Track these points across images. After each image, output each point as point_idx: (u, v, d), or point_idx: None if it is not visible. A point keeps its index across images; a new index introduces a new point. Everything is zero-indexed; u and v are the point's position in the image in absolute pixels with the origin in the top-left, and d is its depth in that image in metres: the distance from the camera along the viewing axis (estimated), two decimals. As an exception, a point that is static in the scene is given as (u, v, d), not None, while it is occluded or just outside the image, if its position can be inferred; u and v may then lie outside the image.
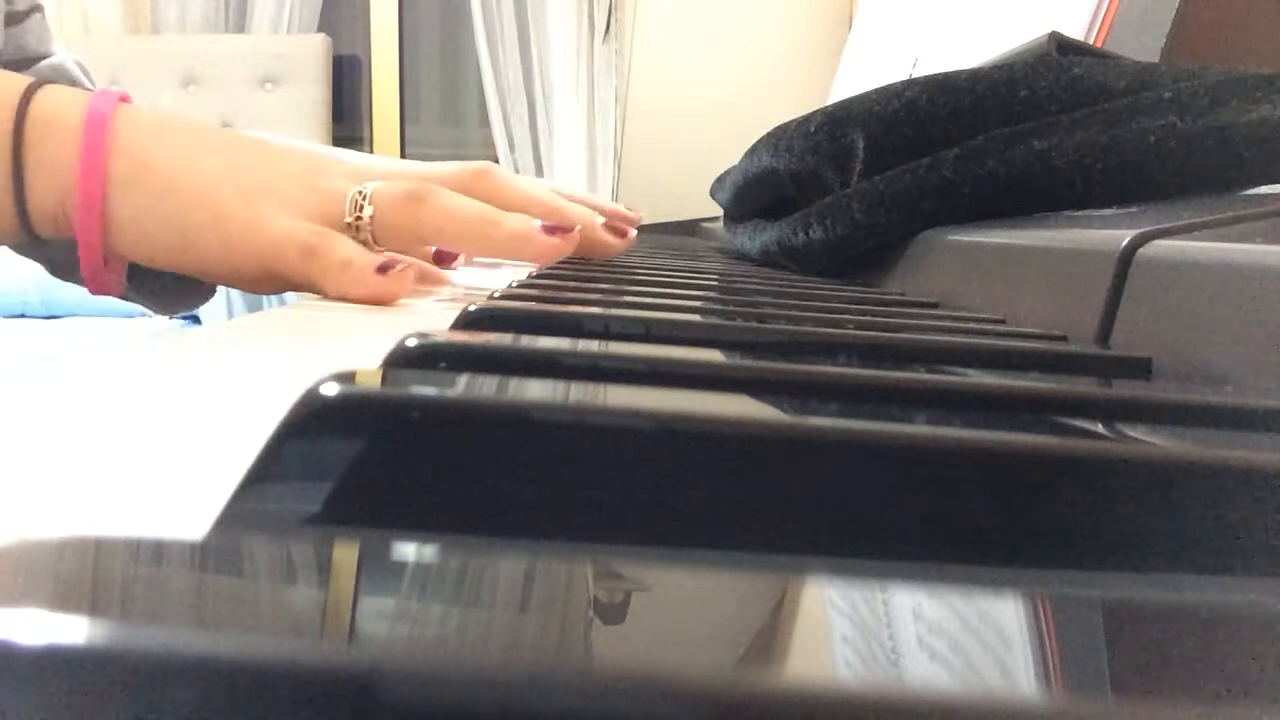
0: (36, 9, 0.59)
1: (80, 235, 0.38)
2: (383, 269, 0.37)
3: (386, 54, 2.50)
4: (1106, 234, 0.28)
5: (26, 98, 0.37)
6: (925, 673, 0.09)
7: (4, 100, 0.37)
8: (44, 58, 0.60)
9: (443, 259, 0.50)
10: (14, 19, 0.58)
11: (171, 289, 0.60)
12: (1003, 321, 0.33)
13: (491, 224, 0.41)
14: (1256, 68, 0.38)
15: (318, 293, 0.39)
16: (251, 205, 0.39)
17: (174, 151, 0.39)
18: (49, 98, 0.38)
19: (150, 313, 0.64)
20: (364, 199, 0.40)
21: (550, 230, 0.42)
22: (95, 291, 0.41)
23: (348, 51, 2.44)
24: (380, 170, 0.44)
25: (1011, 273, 0.35)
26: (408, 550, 0.11)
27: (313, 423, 0.14)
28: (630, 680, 0.08)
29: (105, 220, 0.38)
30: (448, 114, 2.65)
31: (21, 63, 0.58)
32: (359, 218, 0.40)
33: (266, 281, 0.40)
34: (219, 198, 0.39)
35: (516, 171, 2.31)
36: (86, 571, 0.09)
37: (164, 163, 0.39)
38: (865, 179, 0.47)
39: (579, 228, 0.44)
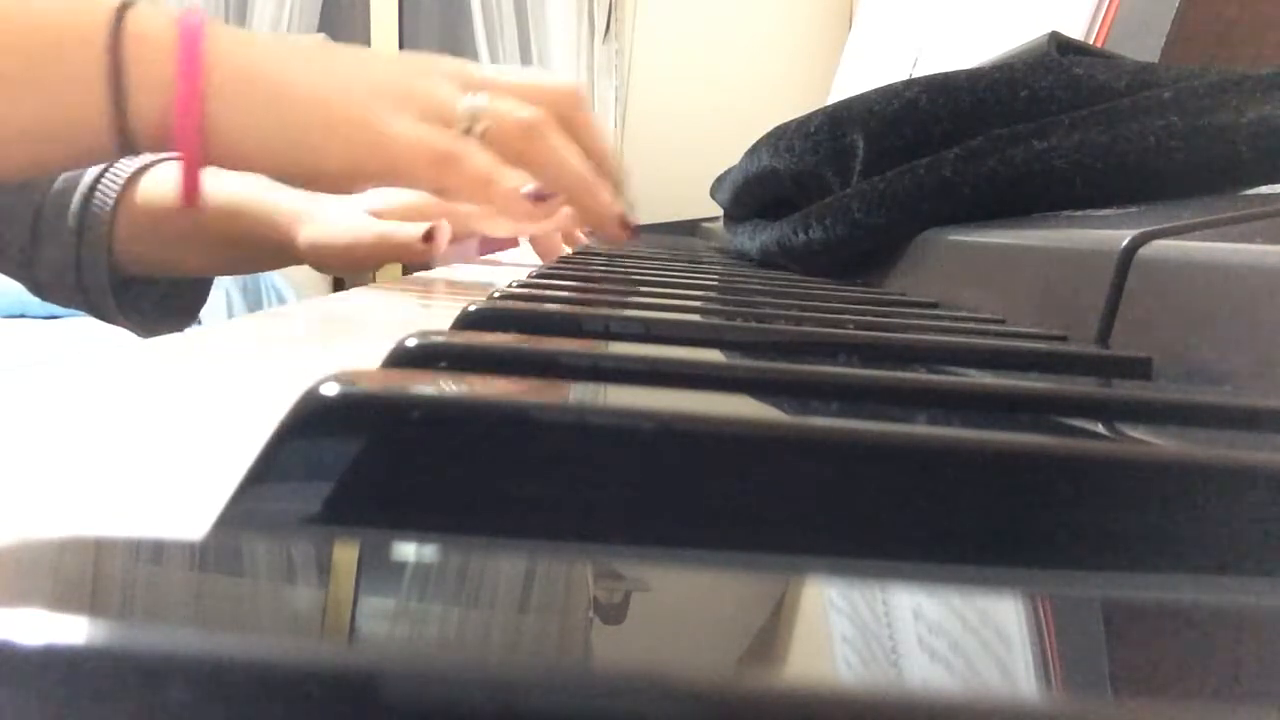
0: None
1: (184, 151, 0.38)
2: (537, 199, 0.39)
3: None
4: (1106, 234, 0.28)
5: (120, 15, 0.37)
6: (925, 673, 0.09)
7: (96, 22, 0.36)
8: None
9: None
10: None
11: (160, 308, 0.60)
12: (1003, 321, 0.33)
13: (588, 193, 0.43)
14: (1256, 68, 0.38)
15: (443, 197, 0.40)
16: (366, 109, 0.39)
17: (271, 62, 0.39)
18: (140, 15, 0.37)
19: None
20: (480, 113, 0.40)
21: (624, 225, 0.45)
22: (187, 204, 0.41)
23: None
24: (479, 79, 0.43)
25: (1011, 273, 0.35)
26: (408, 550, 0.11)
27: (313, 423, 0.14)
28: (630, 680, 0.08)
29: (207, 131, 0.38)
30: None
31: None
32: (470, 130, 0.40)
33: (382, 182, 0.41)
34: (330, 104, 0.39)
35: (516, 171, 2.31)
36: (86, 571, 0.09)
37: (264, 71, 0.39)
38: (865, 179, 0.47)
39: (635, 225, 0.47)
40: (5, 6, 0.36)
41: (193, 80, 0.37)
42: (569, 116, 0.44)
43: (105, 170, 0.59)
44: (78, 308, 0.62)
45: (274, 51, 0.40)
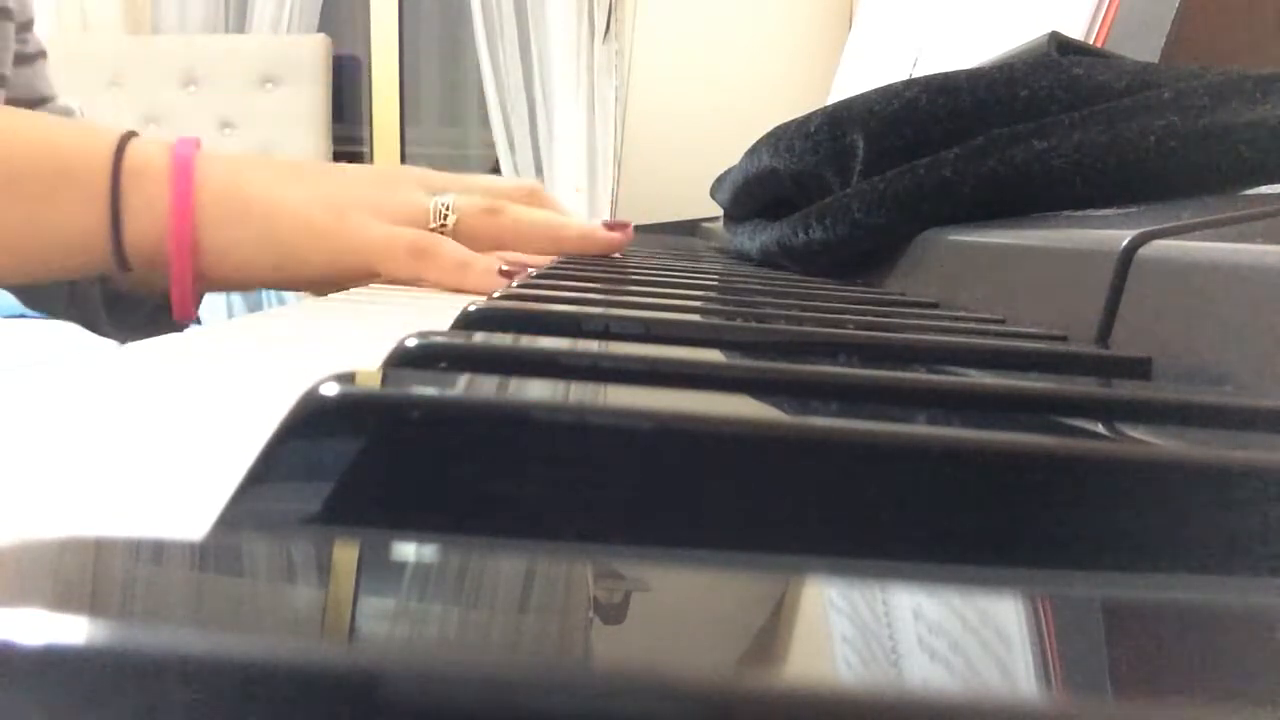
0: (42, 54, 0.62)
1: (175, 268, 0.42)
2: (506, 274, 0.44)
3: (386, 54, 2.50)
4: (1106, 234, 0.28)
5: (120, 149, 0.42)
6: (925, 673, 0.09)
7: (100, 152, 0.41)
8: (50, 100, 0.63)
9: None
10: (25, 60, 0.61)
11: (150, 321, 0.63)
12: (1003, 321, 0.33)
13: (561, 226, 0.49)
14: (1256, 68, 0.38)
15: (422, 286, 0.44)
16: (345, 218, 0.44)
17: (256, 184, 0.44)
18: (138, 147, 0.42)
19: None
20: (447, 209, 0.46)
21: (610, 226, 0.50)
22: (179, 317, 0.45)
23: (348, 51, 2.44)
24: (441, 182, 0.49)
25: (1011, 273, 0.35)
26: (408, 550, 0.11)
27: (312, 423, 0.14)
28: (630, 680, 0.08)
29: (198, 252, 0.43)
30: (448, 114, 2.65)
31: (32, 103, 0.61)
32: (444, 225, 0.45)
33: (363, 280, 0.45)
34: (313, 217, 0.44)
35: (516, 173, 2.32)
36: (86, 571, 0.09)
37: (250, 194, 0.43)
38: (865, 179, 0.47)
39: (631, 224, 0.52)
40: (26, 134, 0.41)
41: (184, 203, 0.41)
42: (528, 201, 0.50)
43: None
44: (69, 319, 0.65)
45: (259, 173, 0.44)
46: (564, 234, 0.49)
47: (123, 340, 0.65)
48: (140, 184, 0.42)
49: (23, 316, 1.96)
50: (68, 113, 0.64)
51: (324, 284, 0.45)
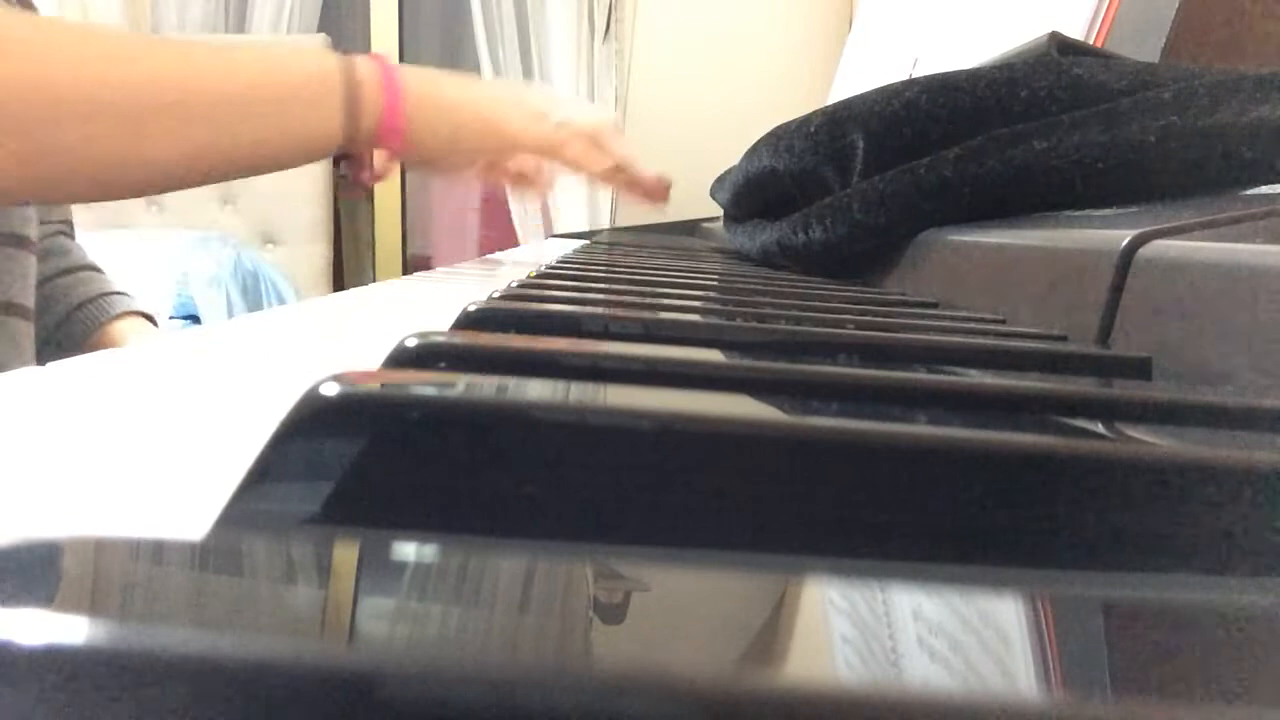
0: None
1: (387, 145, 0.60)
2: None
3: (386, 54, 2.50)
4: (1106, 234, 0.28)
5: (348, 67, 0.59)
6: (925, 673, 0.09)
7: (334, 71, 0.58)
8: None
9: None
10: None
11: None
12: (1003, 321, 0.33)
13: (631, 164, 0.76)
14: (1256, 68, 0.38)
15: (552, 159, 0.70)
16: (499, 114, 0.65)
17: (439, 88, 0.62)
18: (358, 65, 0.59)
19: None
20: (563, 121, 0.68)
21: (660, 186, 0.79)
22: (374, 180, 0.68)
23: (348, 51, 2.44)
24: (556, 101, 0.70)
25: (1011, 273, 0.35)
26: (408, 550, 0.11)
27: (313, 423, 0.14)
28: (630, 680, 0.08)
29: (404, 141, 0.60)
30: (448, 114, 2.65)
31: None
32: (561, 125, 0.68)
33: (509, 157, 0.70)
34: (478, 113, 0.64)
35: (516, 171, 2.31)
36: (86, 571, 0.09)
37: (435, 95, 0.62)
38: (865, 179, 0.47)
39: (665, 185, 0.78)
40: (281, 63, 0.57)
41: (394, 104, 0.60)
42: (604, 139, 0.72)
43: (87, 302, 0.76)
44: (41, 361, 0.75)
45: (439, 82, 0.63)
46: (629, 174, 0.76)
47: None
48: (363, 94, 0.58)
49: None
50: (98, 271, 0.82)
51: (487, 161, 0.69)
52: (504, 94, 0.68)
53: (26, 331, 0.64)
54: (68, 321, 0.75)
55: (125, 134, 0.50)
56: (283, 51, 0.59)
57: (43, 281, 0.72)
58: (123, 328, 0.78)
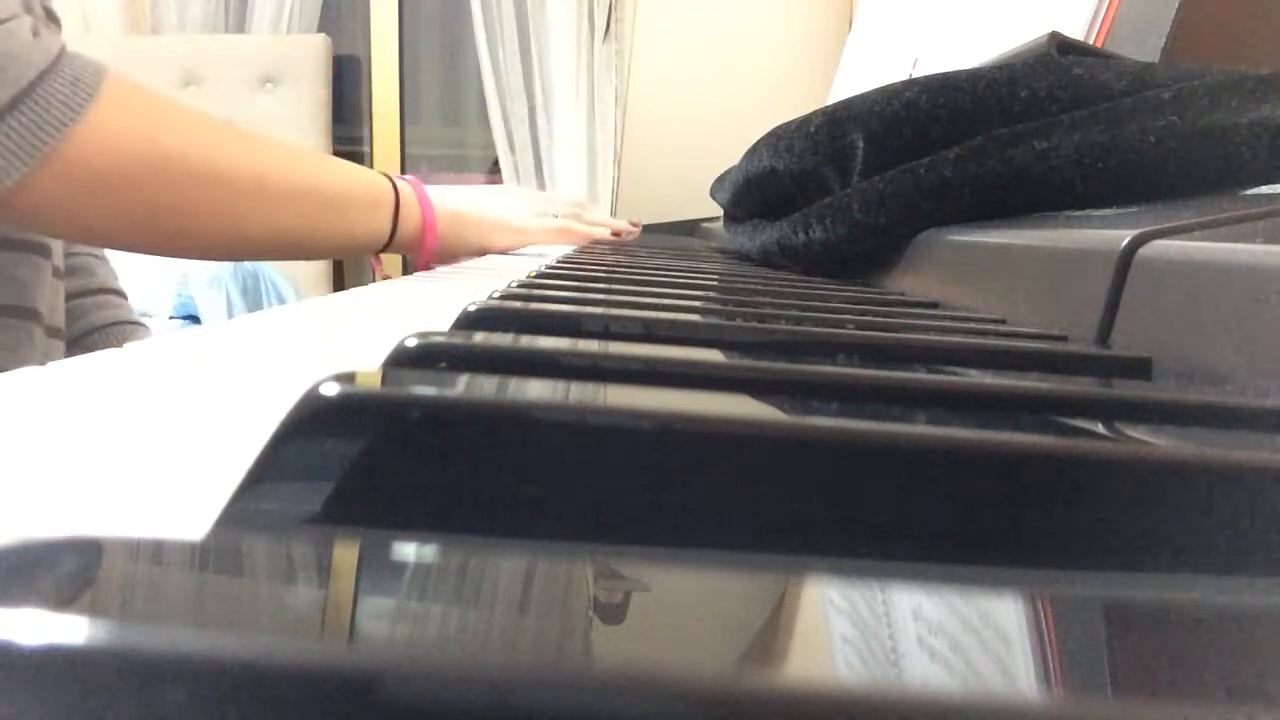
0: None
1: (423, 251, 0.73)
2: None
3: (386, 54, 2.50)
4: (1106, 234, 0.28)
5: (394, 185, 0.71)
6: (925, 673, 0.09)
7: (386, 189, 0.70)
8: None
9: None
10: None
11: None
12: (1003, 321, 0.33)
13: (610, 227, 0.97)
14: (1256, 68, 0.38)
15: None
16: (509, 219, 0.82)
17: (458, 205, 0.76)
18: (402, 188, 0.72)
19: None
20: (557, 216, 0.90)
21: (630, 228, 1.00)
22: (423, 266, 0.75)
23: (348, 51, 2.44)
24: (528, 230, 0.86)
25: (1011, 273, 0.35)
26: (408, 550, 0.11)
27: (313, 423, 0.14)
28: (630, 680, 0.08)
29: (435, 244, 0.74)
30: (448, 114, 2.65)
31: None
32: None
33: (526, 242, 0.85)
34: (494, 224, 0.80)
35: (516, 173, 2.32)
36: (86, 571, 0.09)
37: (456, 211, 0.76)
38: (865, 179, 0.47)
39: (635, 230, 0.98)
40: (356, 174, 0.69)
41: (429, 215, 0.73)
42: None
43: (103, 327, 0.81)
44: None
45: (457, 201, 0.76)
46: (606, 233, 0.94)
47: None
48: (406, 206, 0.71)
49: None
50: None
51: (508, 248, 0.82)
52: (500, 210, 0.84)
53: (39, 336, 0.65)
54: (79, 345, 0.79)
55: (242, 211, 0.59)
56: (354, 166, 0.72)
57: (67, 298, 0.77)
58: None
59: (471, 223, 0.78)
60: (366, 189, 0.69)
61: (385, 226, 0.70)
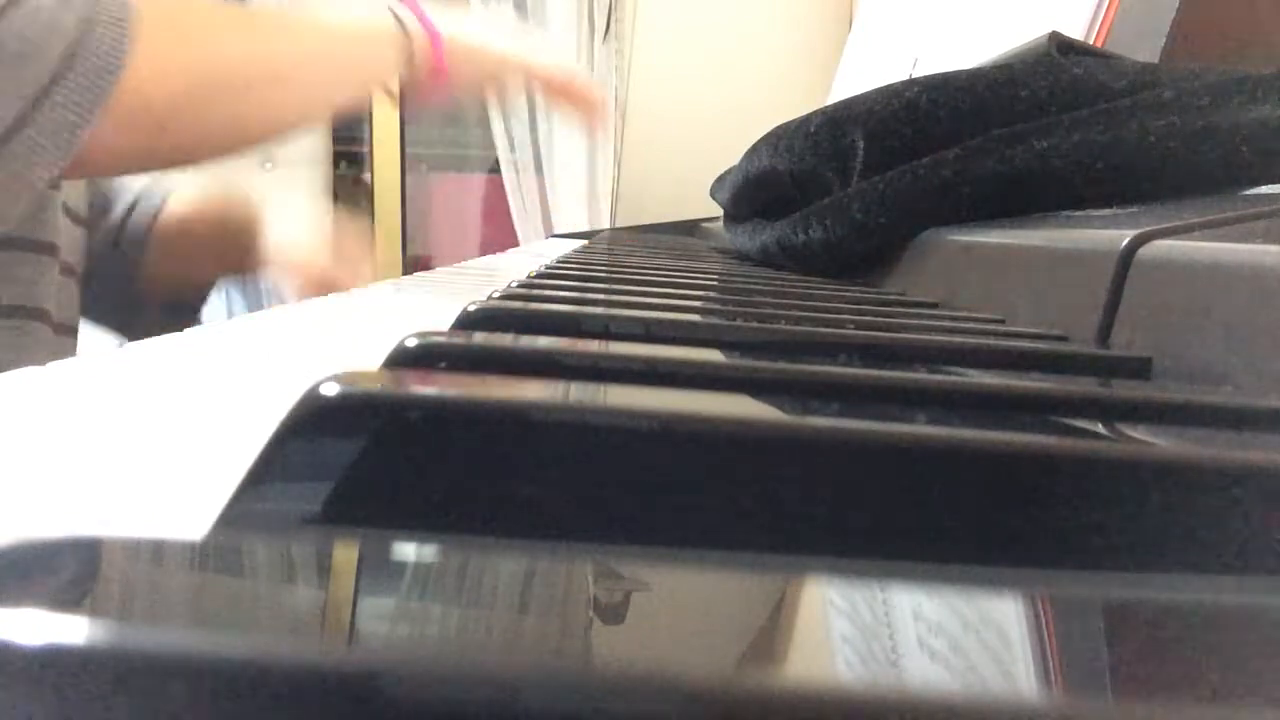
0: None
1: (432, 75, 0.70)
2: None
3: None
4: (1106, 234, 0.28)
5: (400, 21, 0.68)
6: (925, 673, 0.09)
7: (391, 28, 0.68)
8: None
9: None
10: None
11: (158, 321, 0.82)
12: (1003, 321, 0.33)
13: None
14: (1256, 68, 0.38)
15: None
16: (512, 54, 0.77)
17: (467, 38, 0.72)
18: (407, 19, 0.68)
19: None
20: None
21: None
22: (437, 83, 0.72)
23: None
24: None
25: (1011, 273, 0.35)
26: (408, 550, 0.11)
27: (313, 423, 0.14)
28: (630, 680, 0.08)
29: (445, 71, 0.70)
30: (447, 114, 2.65)
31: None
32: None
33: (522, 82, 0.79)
34: (494, 54, 0.75)
35: (516, 173, 2.32)
36: (86, 571, 0.09)
37: (465, 43, 0.72)
38: (865, 179, 0.47)
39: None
40: (358, 27, 0.67)
41: (438, 49, 0.69)
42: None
43: (131, 210, 0.82)
44: (107, 326, 0.85)
45: (466, 33, 0.72)
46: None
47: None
48: (415, 43, 0.68)
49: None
50: None
51: (512, 84, 0.78)
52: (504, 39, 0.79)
53: (47, 335, 0.66)
54: (123, 230, 0.82)
55: (259, 103, 0.60)
56: (352, 17, 0.70)
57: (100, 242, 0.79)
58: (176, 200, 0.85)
59: (483, 49, 0.75)
60: (373, 37, 0.69)
61: (393, 59, 0.69)
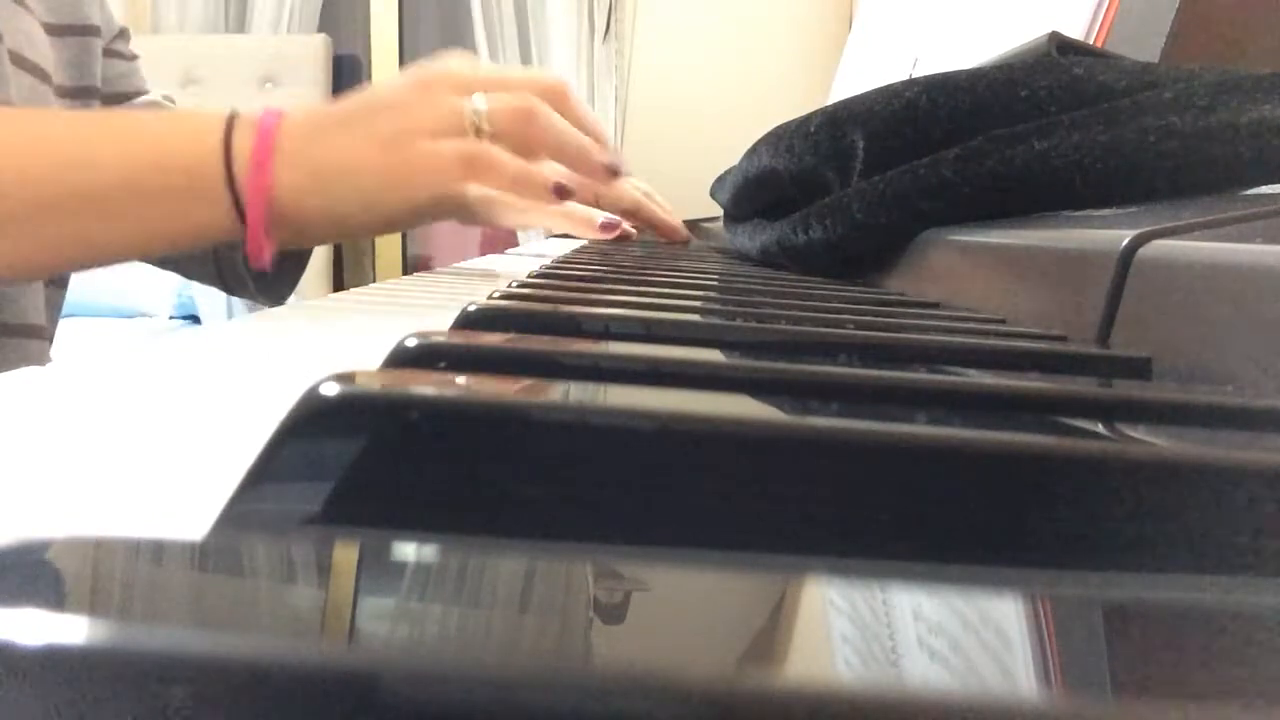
0: (136, 57, 0.72)
1: (250, 235, 0.47)
2: (561, 192, 0.48)
3: (386, 54, 2.50)
4: (1106, 234, 0.28)
5: (228, 137, 0.46)
6: (925, 673, 0.09)
7: (213, 151, 0.46)
8: (143, 94, 0.72)
9: None
10: (126, 59, 0.70)
11: (261, 279, 0.68)
12: (1003, 321, 0.33)
13: (586, 155, 0.50)
14: (1256, 68, 0.38)
15: (488, 217, 0.48)
16: (398, 153, 0.47)
17: (320, 148, 0.47)
18: (238, 138, 0.47)
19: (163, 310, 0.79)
20: (481, 116, 0.47)
21: (606, 227, 0.56)
22: (255, 264, 0.49)
23: (348, 51, 2.44)
24: (474, 80, 0.50)
25: (1011, 273, 0.35)
26: (408, 550, 0.11)
27: (313, 423, 0.14)
28: (630, 680, 0.08)
29: (289, 216, 0.47)
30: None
31: (129, 95, 0.71)
32: (480, 130, 0.48)
33: (438, 207, 0.48)
34: (371, 166, 0.47)
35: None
36: (86, 571, 0.09)
37: (317, 161, 0.47)
38: (865, 179, 0.47)
39: (626, 232, 0.57)
40: (147, 142, 0.46)
41: (261, 178, 0.46)
42: (559, 106, 0.51)
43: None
44: (208, 282, 0.72)
45: (325, 135, 0.47)
46: (586, 162, 0.51)
47: (264, 299, 0.71)
48: (243, 171, 0.47)
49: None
50: (160, 105, 0.73)
51: (408, 219, 0.49)
52: (389, 108, 0.48)
53: (46, 352, 0.64)
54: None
55: None
56: (164, 128, 0.49)
57: None
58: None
59: (330, 185, 0.47)
60: (179, 167, 0.46)
61: (223, 206, 0.46)
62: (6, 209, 0.44)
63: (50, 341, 0.66)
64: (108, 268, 0.50)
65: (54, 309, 0.66)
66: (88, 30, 0.65)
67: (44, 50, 0.60)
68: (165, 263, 0.73)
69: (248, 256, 0.48)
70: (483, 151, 0.47)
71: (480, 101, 0.48)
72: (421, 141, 0.47)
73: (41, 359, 0.63)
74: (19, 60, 0.57)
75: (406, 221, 0.50)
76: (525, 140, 0.49)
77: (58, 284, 0.67)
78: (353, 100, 0.49)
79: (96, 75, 0.66)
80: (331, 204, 0.47)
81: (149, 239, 0.47)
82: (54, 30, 0.62)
